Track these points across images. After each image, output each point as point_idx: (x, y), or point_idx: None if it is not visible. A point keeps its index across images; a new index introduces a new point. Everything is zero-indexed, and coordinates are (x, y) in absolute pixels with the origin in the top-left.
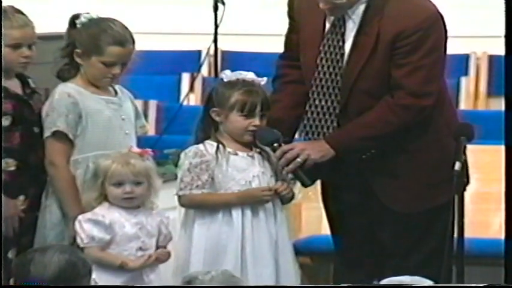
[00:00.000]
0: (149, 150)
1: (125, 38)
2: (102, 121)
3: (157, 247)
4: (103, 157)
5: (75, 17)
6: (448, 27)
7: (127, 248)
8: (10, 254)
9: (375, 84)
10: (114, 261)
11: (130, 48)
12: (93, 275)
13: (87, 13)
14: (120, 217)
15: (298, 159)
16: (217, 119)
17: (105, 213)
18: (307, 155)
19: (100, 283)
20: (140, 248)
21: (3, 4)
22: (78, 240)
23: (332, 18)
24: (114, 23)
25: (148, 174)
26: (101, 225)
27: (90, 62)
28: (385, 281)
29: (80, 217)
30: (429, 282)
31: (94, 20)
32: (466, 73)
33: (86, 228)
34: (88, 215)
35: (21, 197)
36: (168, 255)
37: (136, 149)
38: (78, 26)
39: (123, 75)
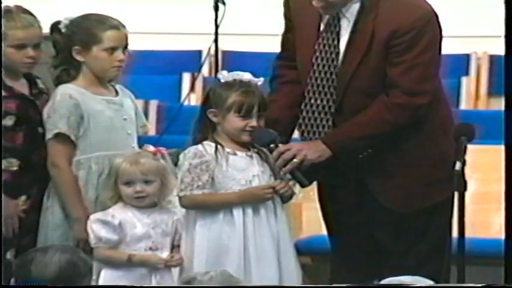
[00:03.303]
0: (163, 149)
1: (117, 22)
2: (104, 122)
3: (173, 246)
4: (107, 157)
5: (56, 23)
6: (449, 27)
7: (136, 248)
8: (9, 255)
9: (370, 83)
10: (121, 256)
11: (125, 31)
12: (102, 275)
13: (65, 17)
14: (133, 217)
15: (295, 160)
16: (214, 119)
17: (116, 213)
18: (304, 155)
19: (109, 283)
20: (150, 248)
21: (7, 4)
22: (89, 240)
23: (327, 17)
24: (100, 14)
25: (161, 173)
26: (109, 225)
27: (92, 55)
28: (385, 281)
29: (91, 217)
30: (429, 282)
31: (78, 18)
32: (466, 73)
33: (94, 228)
34: (98, 215)
35: (23, 197)
36: (180, 261)
37: (150, 148)
38: (63, 30)
39: (127, 60)
